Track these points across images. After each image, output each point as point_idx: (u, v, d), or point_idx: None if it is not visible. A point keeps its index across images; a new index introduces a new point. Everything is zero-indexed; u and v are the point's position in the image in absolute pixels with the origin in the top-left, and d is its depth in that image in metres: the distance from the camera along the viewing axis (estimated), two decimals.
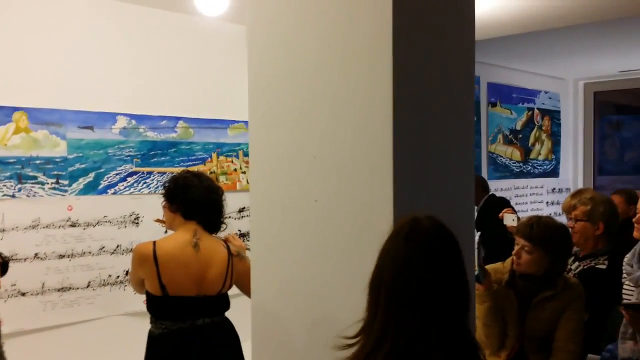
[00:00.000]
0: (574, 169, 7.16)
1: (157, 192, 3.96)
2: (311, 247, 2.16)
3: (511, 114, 6.35)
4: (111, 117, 3.76)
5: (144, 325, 3.88)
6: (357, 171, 2.02)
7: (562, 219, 3.38)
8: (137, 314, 3.89)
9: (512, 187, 6.35)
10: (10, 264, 2.80)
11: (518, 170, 6.45)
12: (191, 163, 4.10)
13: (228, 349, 2.78)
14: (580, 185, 7.08)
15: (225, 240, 2.88)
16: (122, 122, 3.80)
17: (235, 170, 4.34)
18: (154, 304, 2.73)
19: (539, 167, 6.70)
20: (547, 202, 6.75)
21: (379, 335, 1.44)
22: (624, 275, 2.96)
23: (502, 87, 6.18)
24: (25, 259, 3.42)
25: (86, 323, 3.70)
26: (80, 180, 3.64)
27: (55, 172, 3.54)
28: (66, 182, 3.58)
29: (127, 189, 3.83)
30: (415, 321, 1.41)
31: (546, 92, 6.78)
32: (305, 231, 2.18)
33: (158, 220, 2.96)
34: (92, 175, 3.68)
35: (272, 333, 2.33)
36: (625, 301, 2.91)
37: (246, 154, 4.46)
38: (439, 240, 1.48)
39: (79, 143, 3.63)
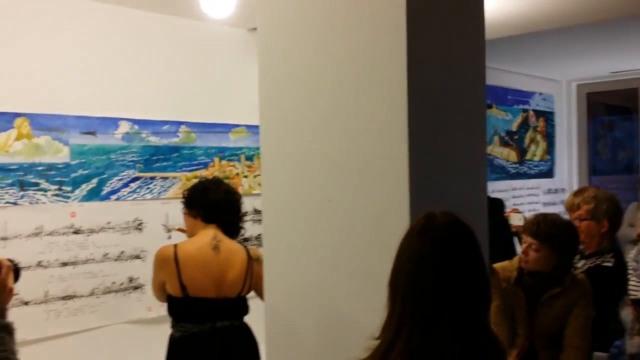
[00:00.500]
0: (569, 169, 7.20)
1: (160, 197, 3.95)
2: (325, 248, 2.16)
3: (507, 115, 6.37)
4: (113, 122, 3.74)
5: (149, 333, 3.88)
6: (372, 170, 2.02)
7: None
8: (141, 321, 3.87)
9: (509, 189, 6.37)
10: None
11: (514, 171, 6.48)
12: (193, 168, 4.09)
13: (247, 353, 2.79)
14: (575, 186, 7.11)
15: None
16: (124, 127, 3.78)
17: (238, 174, 4.33)
18: (174, 306, 2.75)
19: (534, 168, 6.73)
20: (544, 203, 6.78)
21: (395, 333, 1.44)
22: (630, 271, 2.98)
23: (498, 89, 6.20)
24: (28, 267, 3.39)
25: (90, 332, 3.66)
26: (83, 186, 3.61)
27: (58, 179, 3.51)
28: (69, 189, 3.56)
29: (130, 194, 3.81)
30: (429, 316, 1.40)
31: (540, 94, 6.81)
32: (319, 232, 2.17)
33: (179, 230, 3.01)
34: (95, 181, 3.65)
35: (286, 336, 2.32)
36: (632, 297, 2.93)
37: (248, 158, 4.45)
38: (453, 234, 1.47)
39: (82, 149, 3.61)
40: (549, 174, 6.91)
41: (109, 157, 3.72)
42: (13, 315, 3.29)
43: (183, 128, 4.07)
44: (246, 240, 4.19)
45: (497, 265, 2.93)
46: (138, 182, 3.85)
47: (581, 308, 2.75)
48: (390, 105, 1.96)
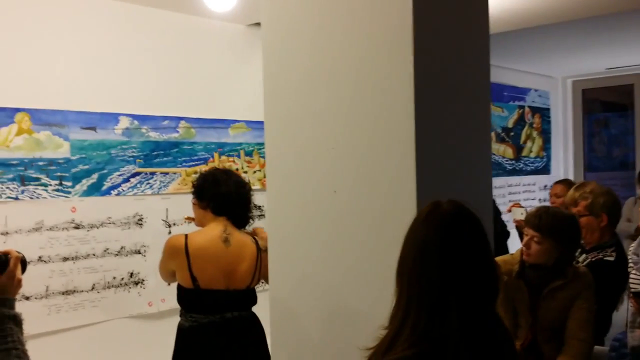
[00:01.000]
0: (565, 165, 7.23)
1: (160, 192, 3.95)
2: (330, 239, 2.16)
3: (503, 112, 6.40)
4: (113, 117, 3.74)
5: (149, 327, 3.88)
6: (377, 161, 2.03)
7: None
8: (142, 316, 3.86)
9: (505, 185, 6.40)
10: None
11: (510, 167, 6.51)
12: (193, 163, 4.09)
13: (255, 342, 2.81)
14: None
15: (253, 235, 2.92)
16: (124, 122, 3.78)
17: (237, 169, 4.32)
18: (185, 297, 2.76)
19: (530, 165, 6.76)
20: (540, 199, 6.81)
21: (402, 320, 1.44)
22: (630, 264, 2.99)
23: (493, 86, 6.22)
24: (29, 262, 3.36)
25: (91, 326, 3.66)
26: (84, 181, 3.61)
27: (59, 174, 3.51)
28: (69, 184, 3.55)
29: (130, 189, 3.80)
30: (435, 303, 1.40)
31: (536, 90, 6.84)
32: (324, 223, 2.18)
33: (188, 218, 3.01)
34: (95, 176, 3.65)
35: (291, 325, 2.32)
36: (633, 290, 2.94)
37: (247, 154, 4.45)
38: (459, 221, 1.47)
39: (82, 144, 3.60)
40: (544, 170, 6.94)
41: (109, 153, 3.72)
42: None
43: (183, 123, 4.07)
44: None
45: (498, 259, 2.93)
46: (138, 177, 3.84)
47: (583, 300, 2.76)
48: (397, 96, 1.97)
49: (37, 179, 3.43)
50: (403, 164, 1.96)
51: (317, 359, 2.24)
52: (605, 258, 3.26)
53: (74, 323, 3.59)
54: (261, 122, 2.44)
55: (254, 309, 2.90)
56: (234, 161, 4.35)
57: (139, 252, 3.84)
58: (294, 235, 2.28)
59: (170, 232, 3.89)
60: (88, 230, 3.63)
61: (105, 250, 3.70)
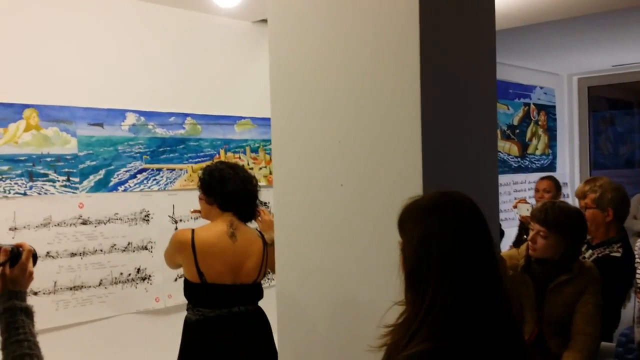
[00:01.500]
0: (571, 163, 7.21)
1: (166, 189, 3.96)
2: (337, 232, 2.17)
3: (508, 109, 6.39)
4: (120, 113, 3.75)
5: (156, 323, 3.90)
6: (384, 154, 2.03)
7: None
8: (149, 312, 3.88)
9: (510, 182, 6.38)
10: None
11: (516, 165, 6.49)
12: (199, 160, 4.10)
13: (261, 336, 2.83)
14: (577, 180, 7.14)
15: (258, 221, 2.93)
16: (131, 118, 3.80)
17: (243, 166, 4.34)
18: (192, 291, 2.77)
19: (536, 162, 6.74)
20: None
21: (421, 313, 1.42)
22: (637, 260, 3.00)
23: (499, 83, 6.21)
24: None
25: (99, 322, 3.68)
26: (91, 177, 3.62)
27: (66, 170, 3.52)
28: (77, 180, 3.57)
29: (137, 185, 3.82)
30: (454, 296, 1.39)
31: (542, 88, 6.82)
32: (331, 216, 2.18)
33: (194, 211, 3.03)
34: (102, 172, 3.67)
35: (298, 320, 2.33)
36: (639, 286, 2.94)
37: (253, 150, 4.46)
38: (473, 211, 1.47)
39: (89, 140, 3.62)
40: (550, 168, 6.92)
41: (116, 149, 3.74)
42: None
43: (189, 120, 4.09)
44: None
45: (504, 254, 2.95)
46: (145, 173, 3.86)
47: (590, 295, 2.76)
48: (403, 91, 1.97)
49: (45, 175, 3.45)
50: (409, 158, 1.96)
51: (323, 352, 2.25)
52: (612, 254, 3.27)
53: (82, 318, 3.60)
54: (267, 119, 2.45)
55: (260, 303, 2.92)
56: (239, 157, 4.36)
57: (145, 248, 3.85)
58: (300, 228, 2.29)
59: (176, 228, 3.91)
60: (95, 226, 3.65)
61: (112, 246, 3.72)
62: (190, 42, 4.13)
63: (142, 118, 3.85)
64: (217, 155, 4.22)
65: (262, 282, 2.94)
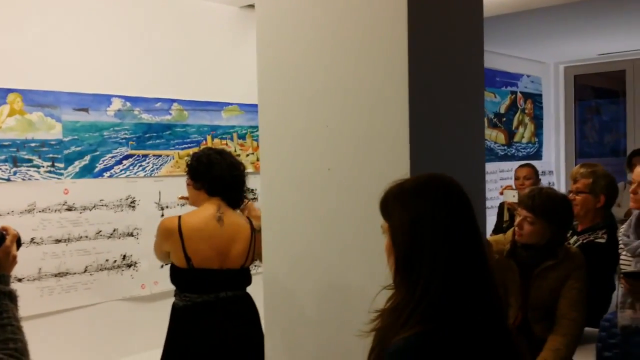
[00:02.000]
0: (556, 151, 7.25)
1: (152, 175, 3.94)
2: (325, 216, 2.17)
3: (495, 97, 6.41)
4: (106, 99, 3.72)
5: (142, 310, 3.89)
6: (371, 138, 2.03)
7: None
8: (135, 298, 3.87)
9: (497, 170, 6.41)
10: None
11: (502, 153, 6.52)
12: (186, 146, 4.08)
13: (249, 322, 2.83)
14: (562, 168, 7.18)
15: (246, 212, 2.93)
16: (117, 104, 3.77)
17: (230, 152, 4.32)
18: (179, 277, 2.77)
19: (522, 150, 6.78)
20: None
21: (415, 296, 1.41)
22: (621, 246, 3.02)
23: (486, 71, 6.16)
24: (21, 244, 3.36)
25: (84, 309, 3.66)
26: (76, 163, 3.60)
27: (51, 155, 3.49)
28: (62, 165, 3.54)
29: (123, 172, 3.80)
30: (422, 277, 1.38)
31: (528, 76, 6.85)
32: (318, 200, 2.18)
33: (182, 198, 3.01)
34: (87, 158, 3.64)
35: (285, 305, 2.34)
36: (623, 270, 2.96)
37: (240, 137, 4.45)
38: (461, 193, 1.47)
39: (74, 125, 3.59)
40: (536, 156, 6.96)
41: (102, 134, 3.71)
42: None
43: (175, 106, 4.06)
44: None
45: (490, 239, 2.96)
46: (131, 159, 3.83)
47: (574, 280, 2.77)
48: (391, 74, 1.97)
49: (30, 161, 3.42)
50: (397, 142, 1.96)
51: (311, 337, 2.25)
52: (596, 240, 3.30)
53: (67, 305, 3.59)
54: (254, 105, 2.44)
55: (248, 290, 2.91)
56: (226, 144, 4.34)
57: (131, 235, 3.83)
58: (288, 213, 2.29)
59: (163, 215, 3.89)
60: (80, 213, 3.62)
61: (97, 233, 3.70)
62: (177, 27, 4.09)
63: (128, 103, 3.82)
64: (204, 142, 4.20)
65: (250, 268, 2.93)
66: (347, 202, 2.10)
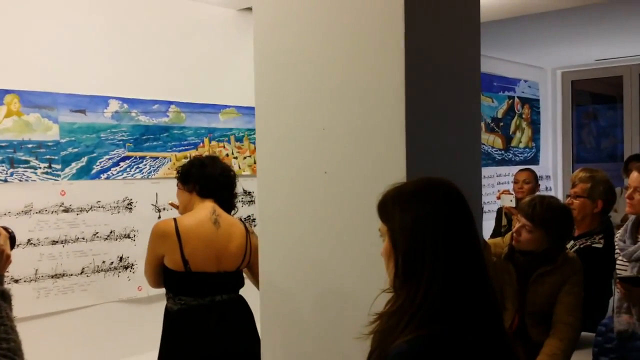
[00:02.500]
0: (554, 157, 7.26)
1: (149, 177, 3.94)
2: (321, 219, 2.17)
3: (492, 102, 6.42)
4: (103, 100, 3.72)
5: (139, 312, 3.88)
6: (368, 142, 2.03)
7: None
8: (131, 300, 3.86)
9: (494, 175, 6.42)
10: None
11: (500, 158, 6.53)
12: (183, 148, 4.08)
13: (243, 325, 2.82)
14: (559, 173, 7.19)
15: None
16: (114, 105, 3.76)
17: (227, 155, 4.32)
18: (174, 280, 2.74)
19: (519, 155, 6.79)
20: None
21: (392, 302, 1.44)
22: (617, 251, 3.02)
23: (484, 76, 6.23)
24: (18, 245, 3.36)
25: (80, 310, 3.65)
26: (73, 164, 3.59)
27: (48, 157, 3.49)
28: (59, 167, 3.53)
29: (120, 173, 3.79)
30: (424, 280, 1.38)
31: (526, 81, 6.86)
32: (315, 203, 2.18)
33: (172, 204, 3.01)
34: (84, 159, 3.63)
35: (281, 307, 2.33)
36: (619, 275, 2.97)
37: (238, 139, 4.44)
38: (460, 197, 1.47)
39: (71, 127, 3.58)
40: (533, 161, 6.97)
41: (99, 136, 3.70)
42: None
43: (173, 108, 4.06)
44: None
45: (489, 241, 2.96)
46: (128, 161, 3.83)
47: (572, 285, 2.78)
48: (388, 79, 1.97)
49: (27, 162, 3.41)
50: (393, 145, 1.96)
51: (308, 339, 2.25)
52: (593, 245, 3.30)
53: (63, 307, 3.58)
54: (252, 108, 2.44)
55: (241, 292, 2.90)
56: (224, 147, 4.34)
57: (128, 237, 3.83)
58: (284, 216, 2.29)
59: (160, 217, 3.89)
60: (77, 214, 3.62)
61: (94, 234, 3.69)
62: (175, 29, 4.09)
63: (125, 105, 3.82)
64: (201, 144, 4.20)
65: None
66: (344, 205, 2.10)
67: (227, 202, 2.86)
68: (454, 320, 1.38)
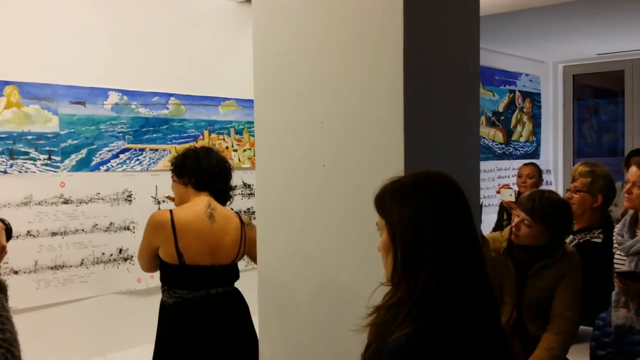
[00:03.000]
0: (554, 151, 7.25)
1: (149, 169, 3.94)
2: (319, 213, 2.17)
3: (493, 96, 6.40)
4: (103, 92, 3.72)
5: (138, 303, 3.89)
6: (366, 135, 2.03)
7: None
8: (130, 292, 3.87)
9: (494, 169, 6.41)
10: None
11: (500, 152, 6.52)
12: (183, 140, 4.08)
13: (239, 318, 2.80)
14: (560, 167, 7.18)
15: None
16: (113, 97, 3.76)
17: (227, 148, 4.32)
18: (169, 273, 2.73)
19: (520, 149, 6.77)
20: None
21: (390, 295, 1.44)
22: (615, 245, 3.02)
23: (485, 70, 6.22)
24: (17, 237, 3.37)
25: (80, 302, 3.66)
26: (73, 156, 3.60)
27: (48, 148, 3.49)
28: (58, 158, 3.54)
29: (119, 165, 3.79)
30: (423, 273, 1.39)
31: (527, 75, 6.84)
32: (313, 196, 2.18)
33: (168, 197, 2.99)
34: (84, 151, 3.64)
35: (279, 300, 2.33)
36: (617, 270, 2.97)
37: (238, 132, 4.44)
38: (449, 190, 1.47)
39: (71, 118, 3.58)
40: (534, 155, 6.96)
41: (99, 128, 3.70)
42: None
43: (172, 100, 4.06)
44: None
45: (488, 236, 2.96)
46: (127, 153, 3.83)
47: (570, 280, 2.78)
48: (386, 72, 1.97)
49: (26, 153, 3.41)
50: (392, 139, 1.96)
51: (306, 331, 2.25)
52: (592, 240, 3.30)
53: (63, 298, 3.59)
54: (252, 101, 2.43)
55: (237, 285, 2.89)
56: (224, 139, 4.34)
57: (128, 229, 3.84)
58: (283, 209, 2.29)
59: (159, 209, 3.88)
60: (77, 206, 3.62)
61: (94, 226, 3.70)
62: (175, 21, 4.09)
63: (125, 97, 3.82)
64: (201, 136, 4.20)
65: (240, 264, 2.92)
66: (342, 199, 2.11)
67: (222, 193, 2.84)
68: (452, 314, 1.38)
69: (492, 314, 1.47)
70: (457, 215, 1.45)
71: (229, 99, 4.36)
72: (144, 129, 3.91)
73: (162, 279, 2.77)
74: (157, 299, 2.85)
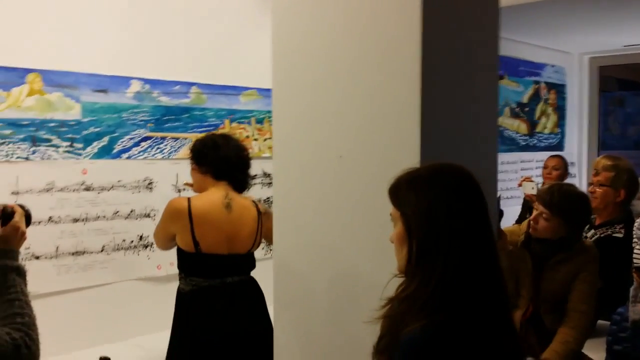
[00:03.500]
0: (579, 143, 7.16)
1: (170, 157, 3.97)
2: (335, 203, 2.17)
3: (518, 87, 6.33)
4: (125, 81, 3.75)
5: (157, 290, 3.93)
6: (383, 126, 2.03)
7: None
8: (150, 279, 3.92)
9: (518, 161, 6.35)
10: None
11: (524, 143, 6.45)
12: (204, 129, 4.10)
13: (254, 306, 2.81)
14: (584, 160, 7.10)
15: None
16: (136, 86, 3.79)
17: (248, 137, 4.34)
18: (185, 261, 2.75)
19: (544, 141, 6.70)
20: None
21: (404, 287, 1.44)
22: (635, 239, 2.99)
23: (509, 60, 6.15)
24: (39, 222, 3.42)
25: (100, 287, 3.72)
26: (95, 144, 3.64)
27: (70, 135, 3.54)
28: (80, 146, 3.58)
29: (140, 153, 3.83)
30: (438, 266, 1.39)
31: (552, 66, 6.75)
32: (330, 187, 2.18)
33: (187, 184, 3.00)
34: (106, 139, 3.68)
35: (294, 288, 2.34)
36: (635, 265, 2.94)
37: (258, 121, 4.46)
38: (465, 182, 1.47)
39: (93, 106, 3.62)
40: (558, 147, 6.88)
41: (120, 116, 3.74)
42: None
43: (194, 89, 4.08)
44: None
45: (505, 229, 2.94)
46: (149, 141, 3.87)
47: (587, 274, 2.76)
48: (403, 61, 1.96)
49: (48, 140, 3.46)
50: (409, 130, 1.96)
51: (320, 321, 2.26)
52: (614, 234, 3.27)
53: (83, 283, 3.65)
54: None
55: (253, 274, 2.91)
56: (244, 128, 4.36)
57: (148, 216, 3.88)
58: (299, 199, 2.29)
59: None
60: (99, 193, 3.67)
61: (115, 213, 3.74)
62: (196, 10, 4.10)
63: (147, 86, 3.85)
64: (222, 125, 4.22)
65: (258, 252, 2.93)
66: (358, 189, 2.11)
67: (241, 182, 2.84)
68: (465, 307, 1.38)
69: (504, 308, 1.47)
70: (472, 208, 1.44)
71: (250, 89, 4.37)
72: (165, 118, 3.94)
73: (179, 266, 2.80)
74: (176, 285, 2.88)
